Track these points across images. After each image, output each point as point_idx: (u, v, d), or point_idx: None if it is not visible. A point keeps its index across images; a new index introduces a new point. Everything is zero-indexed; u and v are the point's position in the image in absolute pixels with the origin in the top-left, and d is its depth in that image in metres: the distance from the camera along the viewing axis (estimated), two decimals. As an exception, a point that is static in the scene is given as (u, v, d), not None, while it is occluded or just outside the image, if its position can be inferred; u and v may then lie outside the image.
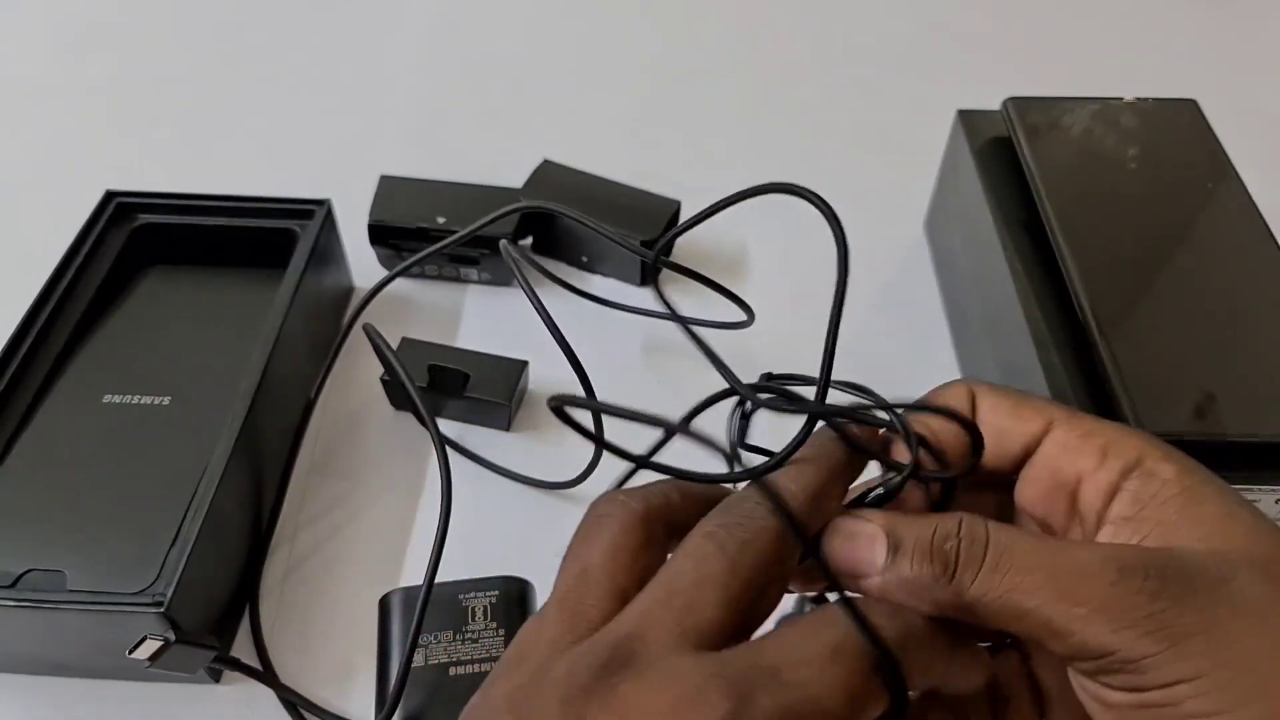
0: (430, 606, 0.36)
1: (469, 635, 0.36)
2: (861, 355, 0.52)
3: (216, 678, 0.39)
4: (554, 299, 0.54)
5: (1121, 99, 0.51)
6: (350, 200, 0.53)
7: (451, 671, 0.35)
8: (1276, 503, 0.37)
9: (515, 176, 0.56)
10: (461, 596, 0.37)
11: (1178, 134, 0.49)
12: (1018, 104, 0.50)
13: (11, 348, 0.44)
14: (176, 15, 0.77)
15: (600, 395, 0.43)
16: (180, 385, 0.45)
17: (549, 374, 0.49)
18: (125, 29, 0.76)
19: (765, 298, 0.56)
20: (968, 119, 0.52)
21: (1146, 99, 0.51)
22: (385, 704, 0.35)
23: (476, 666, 0.35)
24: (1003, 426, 0.27)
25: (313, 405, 0.47)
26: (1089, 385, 0.39)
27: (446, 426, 0.48)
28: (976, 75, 0.71)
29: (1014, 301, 0.43)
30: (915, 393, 0.55)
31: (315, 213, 0.50)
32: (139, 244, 0.50)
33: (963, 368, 0.51)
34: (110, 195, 0.51)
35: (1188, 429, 0.36)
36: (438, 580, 0.36)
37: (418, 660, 0.35)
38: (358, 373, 0.50)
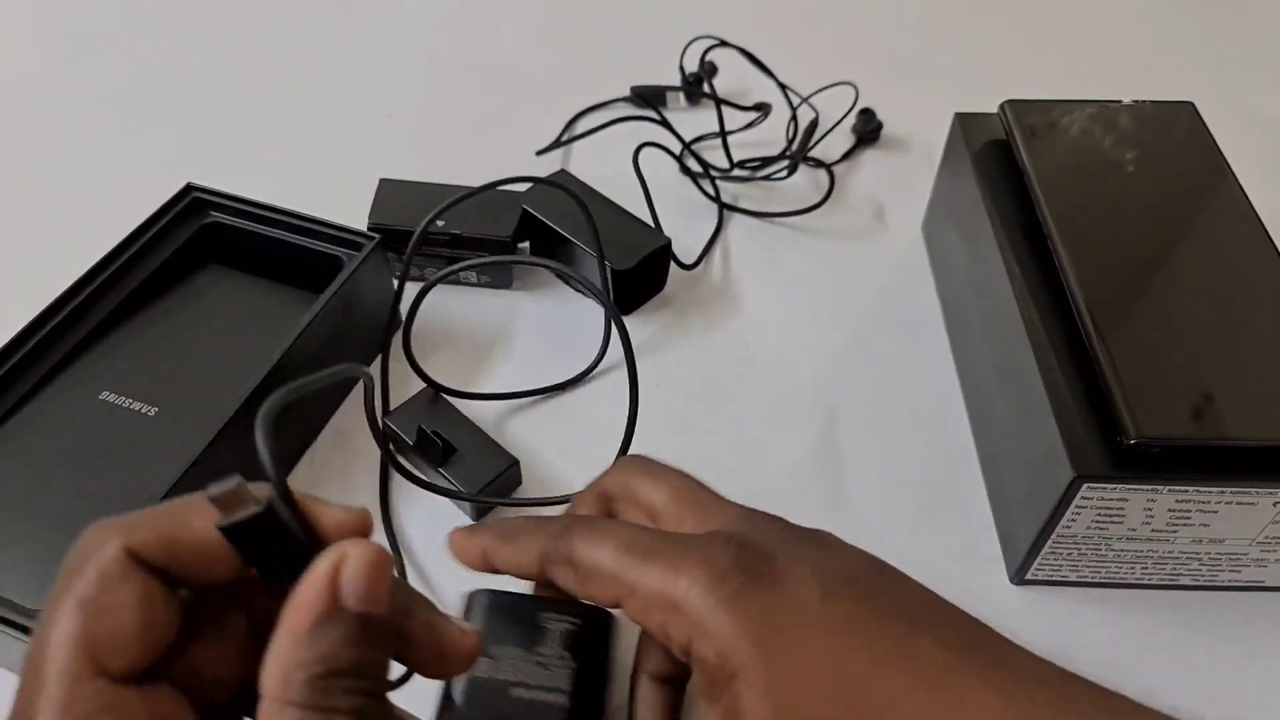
0: (508, 616, 0.34)
1: (538, 659, 0.33)
2: (859, 356, 0.53)
3: None
4: (550, 300, 0.55)
5: (1119, 101, 0.51)
6: (350, 203, 0.53)
7: (513, 692, 0.33)
8: (1275, 505, 0.37)
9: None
10: (541, 615, 0.34)
11: (1175, 136, 0.49)
12: (1015, 106, 0.50)
13: (46, 317, 0.45)
14: (175, 18, 0.77)
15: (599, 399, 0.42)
16: (173, 397, 0.44)
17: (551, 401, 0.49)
18: (123, 31, 0.76)
19: (764, 298, 0.56)
20: (966, 121, 0.52)
21: (1144, 101, 0.51)
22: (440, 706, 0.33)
23: (538, 694, 0.32)
24: (585, 596, 0.30)
25: (306, 447, 0.46)
26: (1086, 388, 0.39)
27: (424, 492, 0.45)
28: (974, 77, 0.71)
29: (1011, 304, 0.43)
30: (913, 389, 0.55)
31: (363, 246, 0.48)
32: (202, 240, 0.51)
33: (960, 369, 0.51)
34: (189, 188, 0.51)
35: (1185, 432, 0.36)
36: (523, 591, 0.35)
37: (484, 670, 0.33)
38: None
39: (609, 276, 0.51)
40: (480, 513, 0.45)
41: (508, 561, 0.31)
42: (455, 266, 0.47)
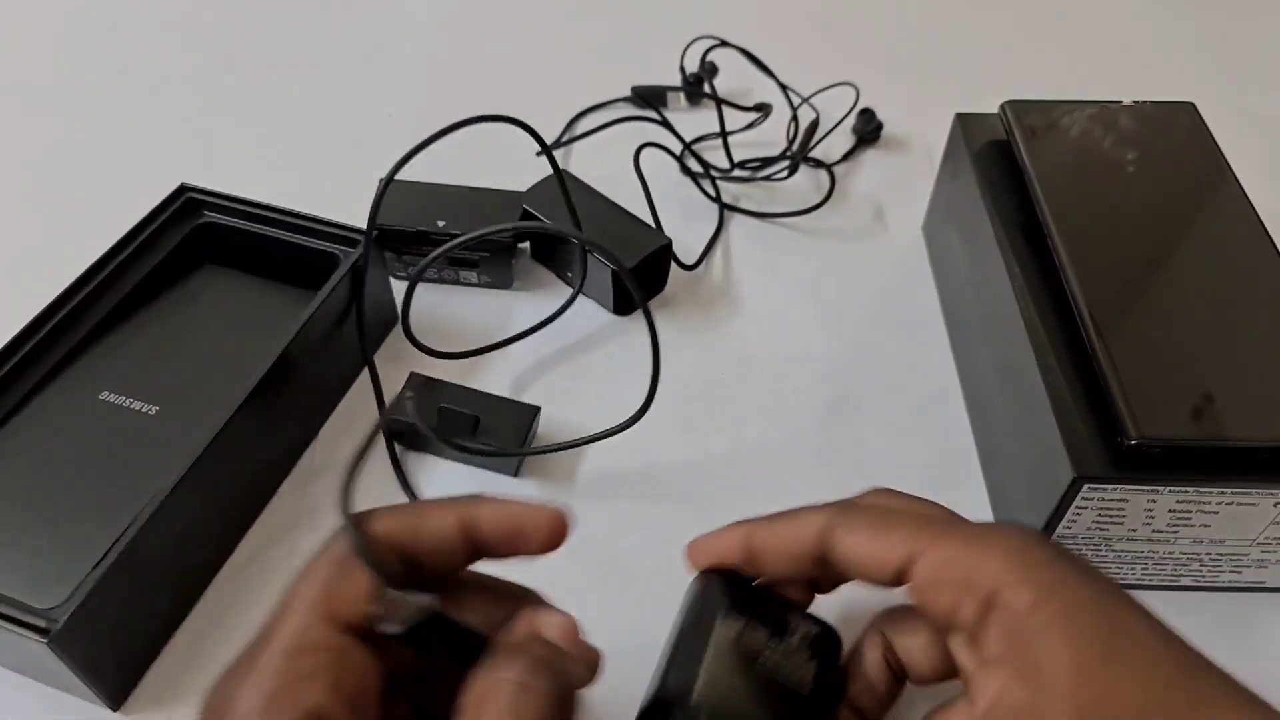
0: (750, 602, 0.33)
1: (784, 647, 0.32)
2: (859, 356, 0.53)
3: (117, 705, 0.38)
4: (550, 300, 0.55)
5: (1119, 102, 0.51)
6: (350, 203, 0.53)
7: (760, 660, 0.32)
8: (1275, 506, 0.37)
9: (516, 180, 0.56)
10: (787, 616, 0.33)
11: (1176, 137, 0.49)
12: (1016, 107, 0.50)
13: (44, 318, 0.45)
14: (175, 18, 0.77)
15: (596, 396, 0.43)
16: (173, 397, 0.44)
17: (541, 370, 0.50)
18: (123, 32, 0.76)
19: (764, 298, 0.56)
20: (966, 121, 0.52)
21: (1144, 102, 0.51)
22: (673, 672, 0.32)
23: (779, 675, 0.32)
24: (869, 558, 0.29)
25: (307, 443, 0.46)
26: (1087, 388, 0.39)
27: (453, 469, 0.47)
28: (975, 78, 0.71)
29: (1012, 304, 0.43)
30: (913, 389, 0.55)
31: (359, 243, 0.49)
32: (197, 240, 0.50)
33: (960, 370, 0.51)
34: (183, 188, 0.51)
35: (1185, 433, 0.36)
36: (762, 584, 0.34)
37: (730, 631, 0.32)
38: (367, 405, 0.49)
39: (609, 274, 0.51)
40: (518, 467, 0.46)
41: (781, 539, 0.31)
42: (439, 250, 0.46)
